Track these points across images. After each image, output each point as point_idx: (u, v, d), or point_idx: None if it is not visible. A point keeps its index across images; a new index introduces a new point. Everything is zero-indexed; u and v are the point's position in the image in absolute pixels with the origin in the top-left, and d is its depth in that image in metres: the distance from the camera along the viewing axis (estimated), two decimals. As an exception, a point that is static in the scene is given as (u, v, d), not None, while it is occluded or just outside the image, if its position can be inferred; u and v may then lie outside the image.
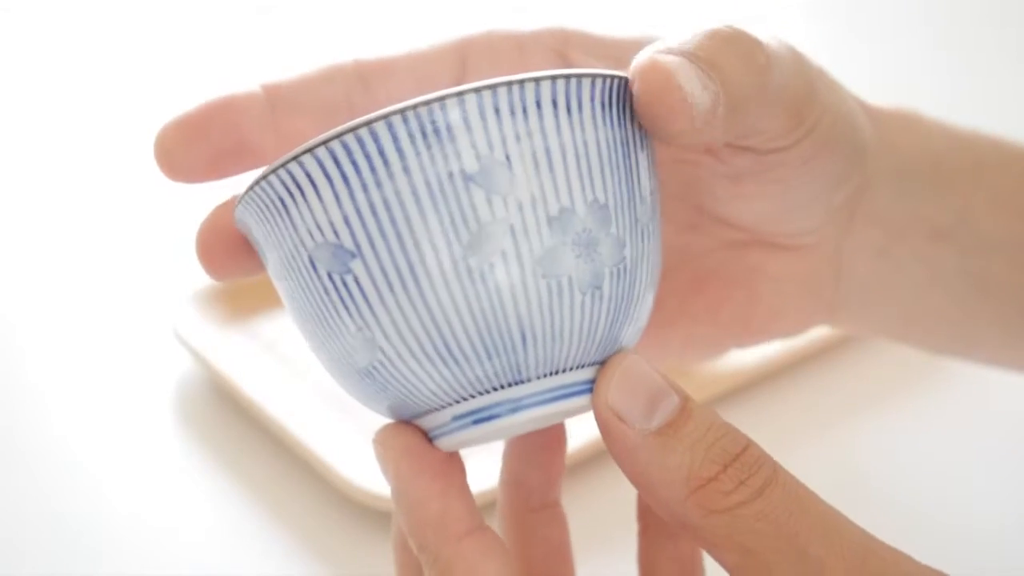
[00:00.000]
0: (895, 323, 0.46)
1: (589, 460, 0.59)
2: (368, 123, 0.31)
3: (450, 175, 0.31)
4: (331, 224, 0.32)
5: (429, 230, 0.31)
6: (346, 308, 0.33)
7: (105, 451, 0.61)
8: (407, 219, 0.31)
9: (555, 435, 0.40)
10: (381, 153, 0.31)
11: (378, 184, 0.31)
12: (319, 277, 0.33)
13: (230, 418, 0.63)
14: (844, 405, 0.64)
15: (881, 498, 0.58)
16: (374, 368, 0.33)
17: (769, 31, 0.37)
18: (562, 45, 0.39)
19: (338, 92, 0.39)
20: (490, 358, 0.33)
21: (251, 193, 0.34)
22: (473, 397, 0.34)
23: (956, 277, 0.45)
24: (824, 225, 0.42)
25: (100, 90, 0.96)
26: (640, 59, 0.34)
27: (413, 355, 0.33)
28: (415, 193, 0.31)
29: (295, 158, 0.32)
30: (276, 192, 0.33)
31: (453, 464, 0.35)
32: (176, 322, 0.66)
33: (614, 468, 0.55)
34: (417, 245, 0.31)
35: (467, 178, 0.31)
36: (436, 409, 0.34)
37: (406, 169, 0.31)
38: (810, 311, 0.44)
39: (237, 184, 0.37)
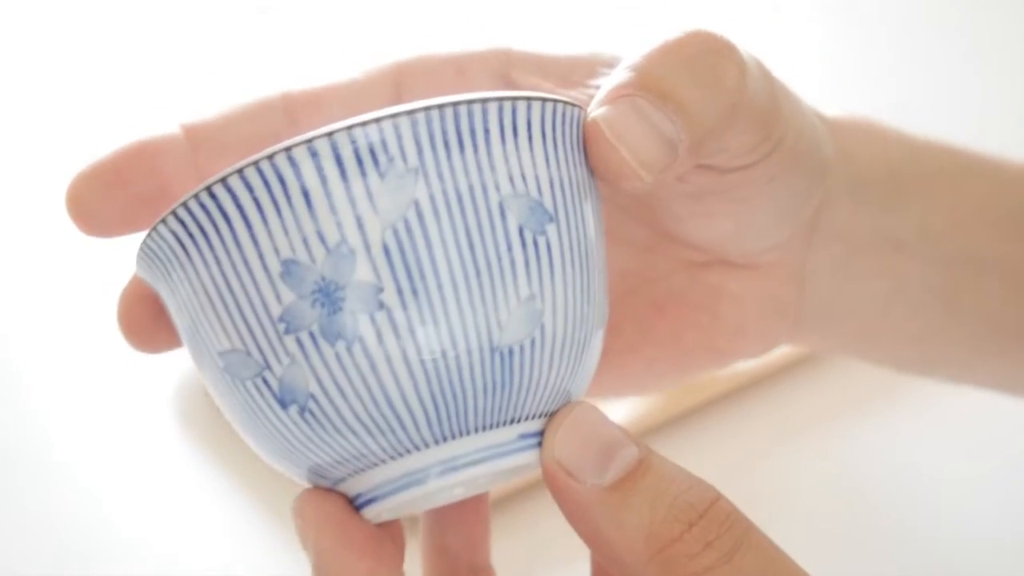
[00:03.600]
0: (857, 340, 0.44)
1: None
2: (278, 151, 0.29)
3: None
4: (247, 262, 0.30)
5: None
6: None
7: (105, 451, 0.61)
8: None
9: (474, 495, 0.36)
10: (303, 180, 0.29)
11: (312, 215, 0.29)
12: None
13: (230, 419, 0.63)
14: (828, 414, 0.64)
15: (866, 507, 0.58)
16: (303, 414, 0.30)
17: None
18: (504, 65, 0.37)
19: (264, 129, 0.36)
20: (425, 411, 0.30)
21: (149, 241, 0.31)
22: (406, 453, 0.31)
23: (919, 292, 0.42)
24: (787, 242, 0.40)
25: (99, 92, 0.95)
26: (590, 109, 0.32)
27: (345, 400, 0.30)
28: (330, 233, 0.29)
29: (202, 190, 0.30)
30: (176, 237, 0.31)
31: (384, 539, 0.31)
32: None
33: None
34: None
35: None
36: (361, 470, 0.31)
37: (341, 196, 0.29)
38: (774, 331, 0.42)
39: None
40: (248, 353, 0.30)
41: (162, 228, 0.31)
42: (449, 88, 0.37)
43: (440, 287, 0.29)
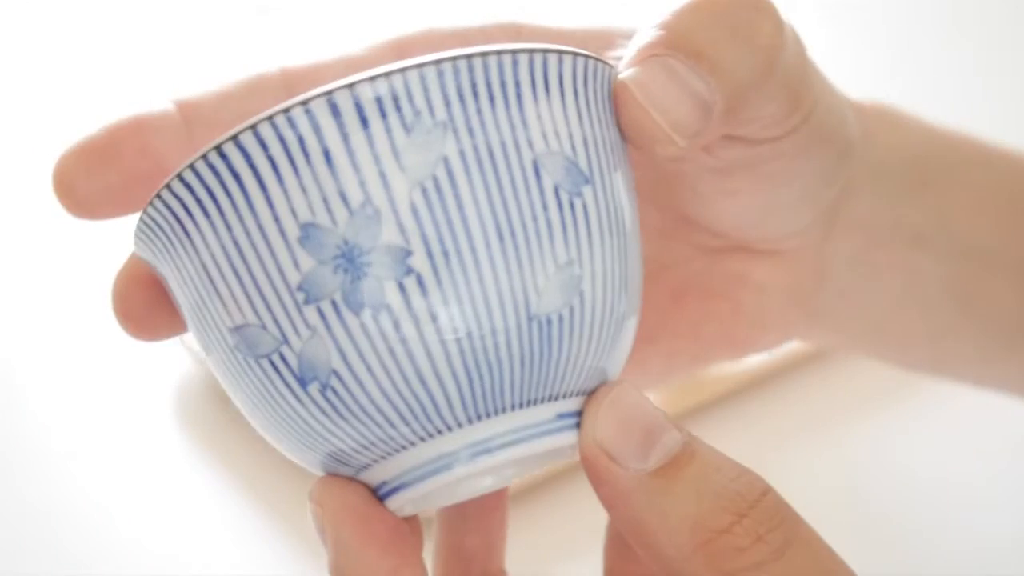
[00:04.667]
0: (869, 337, 0.43)
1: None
2: (302, 102, 0.27)
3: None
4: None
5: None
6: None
7: (106, 452, 0.61)
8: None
9: (493, 494, 0.34)
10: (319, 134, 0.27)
11: (333, 174, 0.27)
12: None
13: (231, 419, 0.63)
14: (834, 412, 0.64)
15: (872, 506, 0.58)
16: (323, 392, 0.28)
17: None
18: (514, 39, 0.35)
19: (262, 105, 0.33)
20: (458, 386, 0.28)
21: (151, 211, 0.29)
22: (436, 435, 0.29)
23: (933, 286, 0.41)
24: (809, 228, 0.38)
25: (99, 91, 0.95)
26: (619, 70, 0.30)
27: (371, 375, 0.28)
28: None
29: (211, 150, 0.27)
30: (181, 203, 0.28)
31: (407, 533, 0.29)
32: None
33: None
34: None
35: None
36: (386, 455, 0.29)
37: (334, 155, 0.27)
38: (792, 322, 0.40)
39: None
40: (263, 327, 0.28)
41: (166, 194, 0.28)
42: None
43: (473, 250, 0.27)
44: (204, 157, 0.28)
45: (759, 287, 0.39)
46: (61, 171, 0.33)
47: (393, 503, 0.30)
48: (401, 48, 0.35)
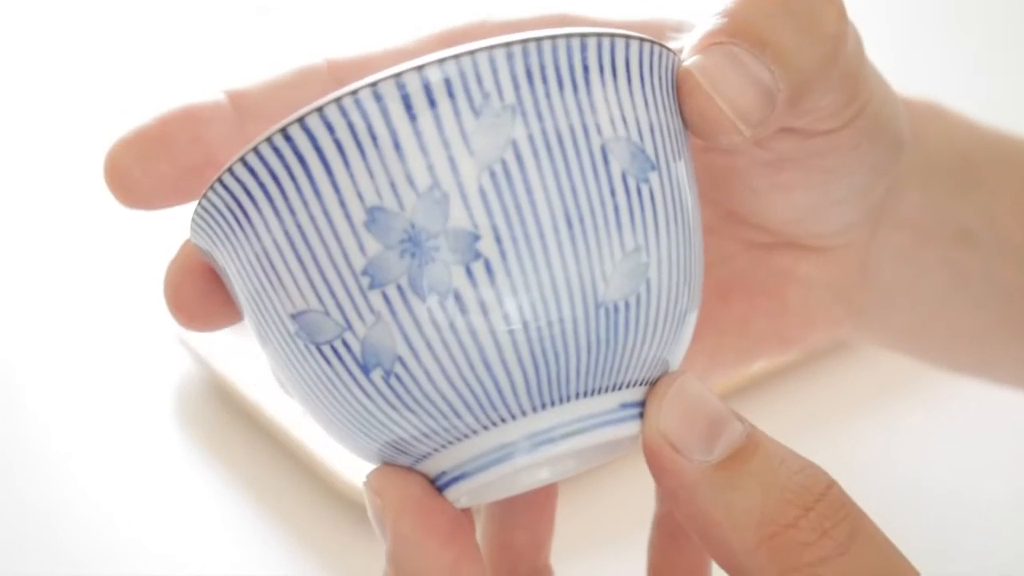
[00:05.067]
0: (913, 334, 0.42)
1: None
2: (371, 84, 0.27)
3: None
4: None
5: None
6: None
7: (106, 452, 0.61)
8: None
9: (543, 489, 0.35)
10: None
11: (401, 158, 0.27)
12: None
13: (231, 419, 0.63)
14: (835, 413, 0.64)
15: (874, 506, 0.58)
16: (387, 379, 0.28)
17: None
18: None
19: (311, 96, 0.33)
20: (524, 373, 0.28)
21: (212, 196, 0.29)
22: (500, 423, 0.28)
23: (979, 285, 0.41)
24: (857, 224, 0.38)
25: (99, 91, 0.95)
26: (683, 58, 0.30)
27: (437, 361, 0.28)
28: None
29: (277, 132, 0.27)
30: (244, 188, 0.28)
31: (467, 526, 0.29)
32: (177, 325, 0.66)
33: (611, 470, 0.55)
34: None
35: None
36: (447, 444, 0.29)
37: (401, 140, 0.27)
38: (838, 318, 0.40)
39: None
40: (326, 313, 0.28)
41: (227, 179, 0.28)
42: None
43: (542, 235, 0.27)
44: (269, 140, 0.27)
45: (805, 283, 0.39)
46: (113, 161, 0.32)
47: (451, 494, 0.29)
48: (450, 40, 0.35)
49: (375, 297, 0.27)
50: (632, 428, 0.29)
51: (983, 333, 0.42)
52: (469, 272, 0.27)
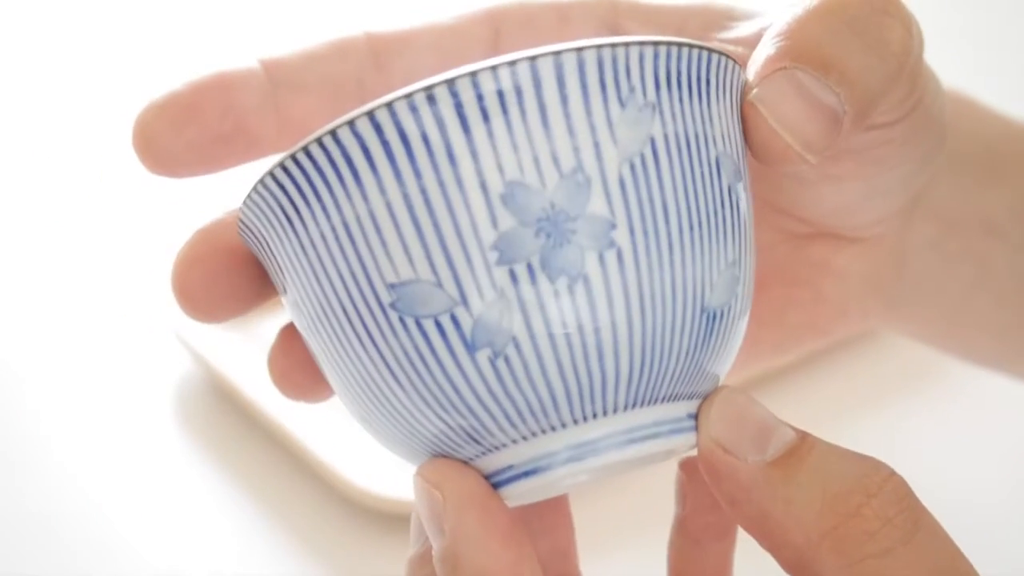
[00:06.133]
0: (941, 326, 0.42)
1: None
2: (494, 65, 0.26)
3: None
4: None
5: None
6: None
7: (106, 452, 0.61)
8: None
9: (553, 497, 0.33)
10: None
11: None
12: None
13: (230, 419, 0.63)
14: (838, 411, 0.64)
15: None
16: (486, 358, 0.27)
17: None
18: (611, 14, 0.34)
19: (348, 70, 0.33)
20: (631, 366, 0.27)
21: (313, 149, 0.27)
22: (592, 418, 0.28)
23: (1005, 277, 0.40)
24: (895, 214, 0.38)
25: (97, 85, 0.95)
26: (748, 90, 0.29)
27: (552, 347, 0.27)
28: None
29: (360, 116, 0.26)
30: (361, 144, 0.27)
31: (523, 527, 0.28)
32: (176, 323, 0.66)
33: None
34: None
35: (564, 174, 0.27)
36: (525, 437, 0.28)
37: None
38: (872, 309, 0.39)
39: (225, 196, 0.33)
40: (439, 284, 0.27)
41: (344, 133, 0.27)
42: (552, 37, 0.33)
43: (669, 233, 0.27)
44: (408, 98, 0.26)
45: (840, 274, 0.38)
46: (142, 126, 0.32)
47: (513, 490, 0.29)
48: (494, 18, 0.34)
49: (500, 274, 0.27)
50: (691, 439, 0.29)
51: (1007, 327, 0.42)
52: (602, 259, 0.27)
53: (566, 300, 0.27)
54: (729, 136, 0.29)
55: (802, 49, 0.29)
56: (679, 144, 0.27)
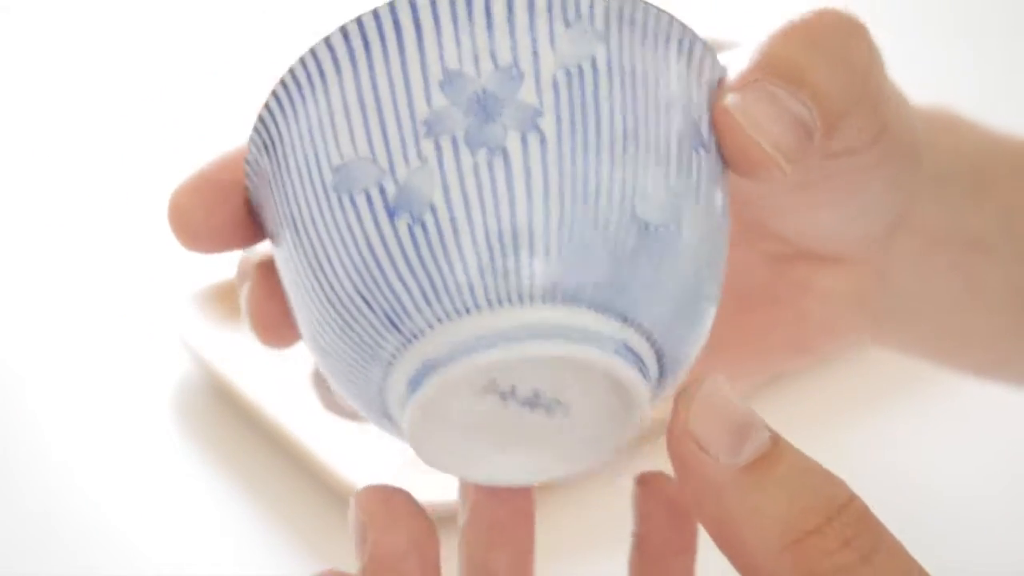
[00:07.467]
0: (931, 339, 0.42)
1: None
2: None
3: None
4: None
5: None
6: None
7: (106, 452, 0.61)
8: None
9: (520, 504, 0.34)
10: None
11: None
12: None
13: (231, 419, 0.63)
14: (833, 416, 0.64)
15: (874, 507, 0.58)
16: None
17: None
18: None
19: None
20: (547, 248, 0.28)
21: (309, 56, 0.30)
22: (507, 303, 0.28)
23: (997, 290, 0.41)
24: (876, 236, 0.39)
25: (99, 88, 0.95)
26: (718, 99, 0.31)
27: (467, 215, 0.28)
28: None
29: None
30: (331, 51, 0.30)
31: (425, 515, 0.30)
32: (177, 323, 0.66)
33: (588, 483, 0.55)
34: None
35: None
36: (447, 316, 0.28)
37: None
38: (858, 327, 0.40)
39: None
40: (373, 159, 0.28)
41: (335, 37, 0.29)
42: None
43: (598, 134, 0.28)
44: (374, 12, 0.29)
45: (823, 294, 0.39)
46: (177, 208, 0.33)
47: (433, 390, 0.28)
48: None
49: (427, 144, 0.28)
50: (627, 373, 0.28)
51: (999, 336, 0.42)
52: (524, 140, 0.28)
53: (484, 172, 0.28)
54: (692, 102, 0.30)
55: (776, 65, 0.30)
56: (623, 72, 0.29)
